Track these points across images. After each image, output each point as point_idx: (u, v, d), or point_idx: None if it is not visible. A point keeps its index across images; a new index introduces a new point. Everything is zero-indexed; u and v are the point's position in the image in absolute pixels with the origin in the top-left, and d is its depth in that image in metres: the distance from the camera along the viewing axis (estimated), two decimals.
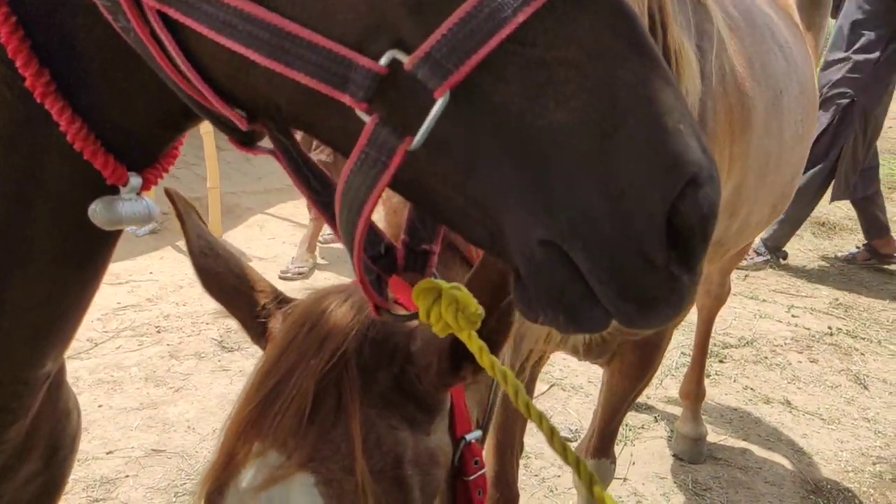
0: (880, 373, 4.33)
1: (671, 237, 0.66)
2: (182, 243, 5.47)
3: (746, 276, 5.51)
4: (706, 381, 3.71)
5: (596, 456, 2.49)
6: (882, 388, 4.18)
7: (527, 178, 0.68)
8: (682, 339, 4.44)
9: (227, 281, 1.11)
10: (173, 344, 4.14)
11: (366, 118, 0.71)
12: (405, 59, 0.68)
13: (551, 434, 0.83)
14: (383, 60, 0.69)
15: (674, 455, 3.53)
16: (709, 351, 3.81)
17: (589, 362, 2.53)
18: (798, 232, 6.40)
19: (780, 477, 3.42)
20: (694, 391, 3.54)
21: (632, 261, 0.66)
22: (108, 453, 3.25)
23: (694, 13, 2.01)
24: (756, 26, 2.46)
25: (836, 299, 5.23)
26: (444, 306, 0.82)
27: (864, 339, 4.70)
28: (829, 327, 4.82)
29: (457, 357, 0.96)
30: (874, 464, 3.52)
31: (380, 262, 0.93)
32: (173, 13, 0.75)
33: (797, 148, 2.66)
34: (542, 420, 0.83)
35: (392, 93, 0.70)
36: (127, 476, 3.12)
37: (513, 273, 0.73)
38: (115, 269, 4.84)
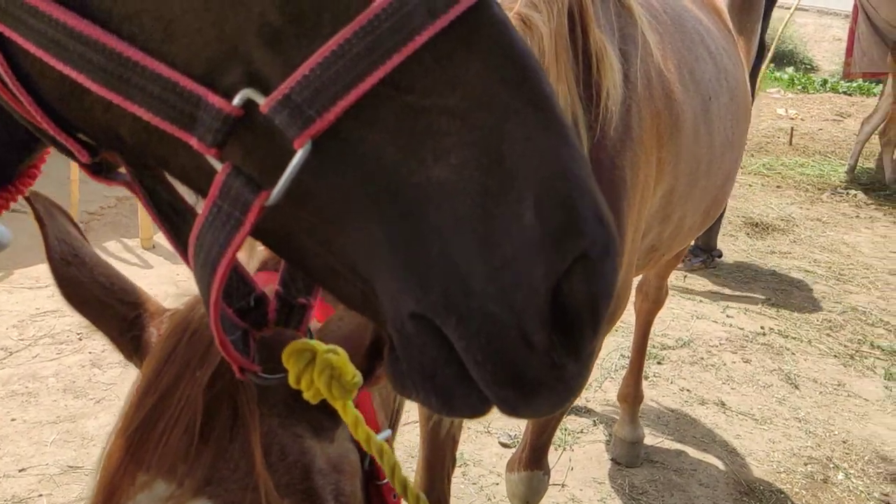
0: (811, 372, 4.41)
1: (558, 318, 0.58)
2: (109, 244, 5.28)
3: (685, 276, 5.57)
4: (644, 384, 3.71)
5: (528, 468, 2.44)
6: (812, 387, 4.26)
7: (399, 240, 0.59)
8: (621, 340, 4.45)
9: (91, 292, 0.98)
10: (95, 352, 3.94)
11: (217, 165, 0.62)
12: (261, 101, 0.59)
13: None
14: (237, 100, 0.60)
15: (612, 459, 3.52)
16: (647, 353, 3.81)
17: None
18: (732, 232, 6.52)
19: (714, 479, 3.44)
20: (632, 394, 3.55)
21: (510, 342, 0.58)
22: (20, 471, 3.07)
23: (617, 17, 1.97)
24: (686, 31, 2.44)
25: (769, 299, 5.33)
26: (318, 372, 0.73)
27: (795, 338, 4.79)
28: (762, 327, 4.90)
29: (372, 357, 0.88)
30: (805, 464, 3.58)
31: (249, 315, 0.82)
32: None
33: (728, 154, 2.66)
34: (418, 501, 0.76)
35: (247, 138, 0.61)
36: (41, 495, 2.95)
37: (388, 341, 0.65)
38: (35, 273, 4.61)
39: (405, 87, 0.59)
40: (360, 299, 0.66)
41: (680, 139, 2.21)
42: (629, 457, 3.48)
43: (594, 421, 3.84)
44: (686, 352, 4.58)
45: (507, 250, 0.57)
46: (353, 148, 0.60)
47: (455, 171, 0.58)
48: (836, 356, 4.61)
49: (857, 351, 4.68)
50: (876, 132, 8.42)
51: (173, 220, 0.79)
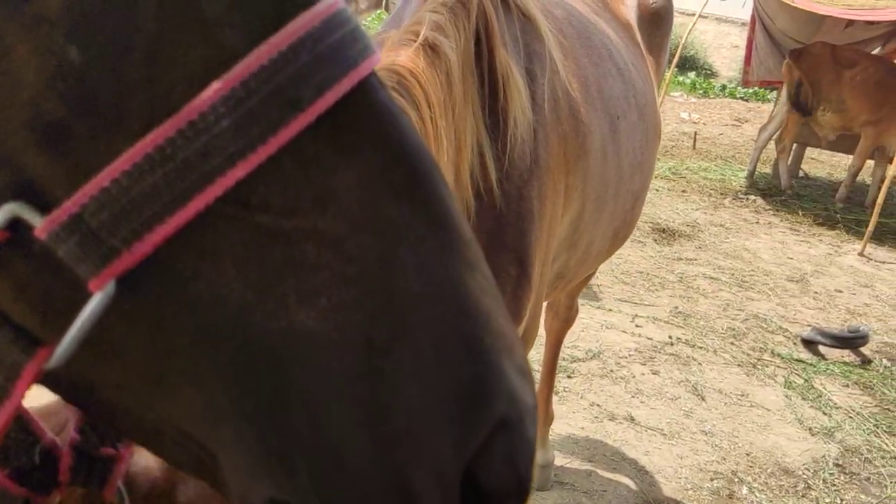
0: (716, 383, 4.47)
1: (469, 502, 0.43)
2: None
3: (598, 286, 5.58)
4: (554, 399, 3.66)
5: None
6: (718, 398, 4.31)
7: (251, 406, 0.43)
8: (533, 353, 4.39)
9: None
10: None
11: None
12: (37, 223, 0.42)
13: None
14: None
15: None
16: (557, 367, 3.75)
17: None
18: (641, 238, 6.60)
19: (625, 499, 3.42)
20: (542, 415, 3.46)
21: None
22: None
23: (522, 33, 1.85)
24: (593, 46, 2.33)
25: (676, 307, 5.40)
26: None
27: (701, 348, 4.86)
28: (670, 337, 4.95)
29: None
30: (712, 479, 3.60)
31: (31, 477, 0.59)
32: None
33: (637, 175, 2.57)
34: None
35: (17, 273, 0.43)
36: None
37: None
38: None
39: (257, 205, 0.43)
40: (194, 464, 0.49)
41: (587, 162, 2.10)
42: (540, 480, 3.38)
43: None
44: (596, 364, 4.57)
45: (401, 420, 0.42)
46: (181, 287, 0.43)
47: (328, 316, 0.43)
48: (739, 365, 4.70)
49: (758, 359, 4.79)
50: (772, 139, 8.74)
51: None
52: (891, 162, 8.28)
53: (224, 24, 0.43)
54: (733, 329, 5.14)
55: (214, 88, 0.42)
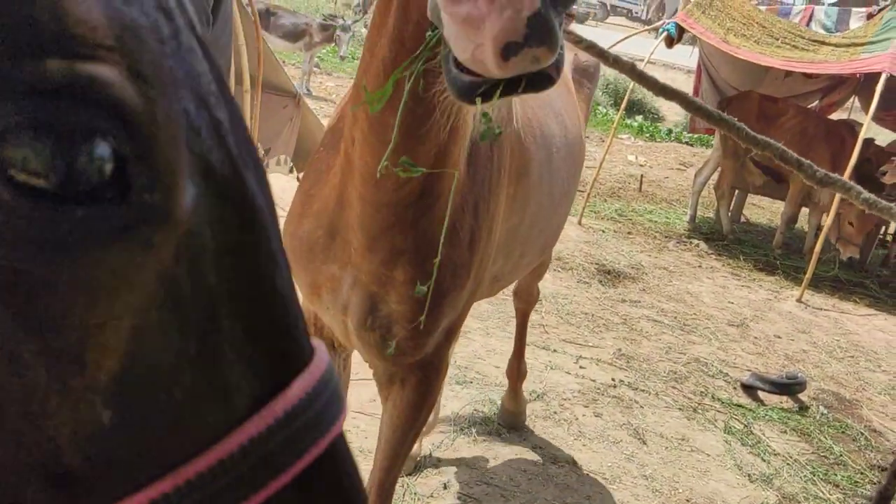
0: (657, 426, 4.47)
1: None
2: None
3: (543, 326, 5.56)
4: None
5: None
6: (659, 442, 4.31)
7: None
8: (474, 393, 4.33)
9: None
10: None
11: None
12: None
13: None
14: None
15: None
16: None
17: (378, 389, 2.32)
18: (586, 279, 6.63)
19: None
20: (516, 372, 4.06)
21: None
22: None
23: None
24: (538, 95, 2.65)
25: (620, 349, 5.41)
26: None
27: (643, 391, 4.86)
28: (613, 379, 4.94)
29: None
30: None
31: None
32: None
33: (564, 203, 2.97)
34: None
35: None
36: None
37: None
38: None
39: None
40: None
41: (528, 182, 2.41)
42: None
43: (444, 483, 3.67)
44: (539, 405, 4.52)
45: None
46: None
47: None
48: (680, 409, 4.71)
49: (699, 404, 4.81)
50: (709, 184, 8.94)
51: None
52: (826, 212, 8.56)
53: (236, 389, 0.49)
54: (675, 372, 5.17)
55: (215, 454, 0.47)
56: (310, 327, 2.05)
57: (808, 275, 7.00)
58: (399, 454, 2.21)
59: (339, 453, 0.55)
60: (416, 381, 2.13)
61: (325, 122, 10.16)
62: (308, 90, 12.17)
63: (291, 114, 7.19)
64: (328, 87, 13.47)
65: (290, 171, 7.69)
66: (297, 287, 2.20)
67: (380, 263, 1.89)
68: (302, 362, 0.53)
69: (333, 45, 12.89)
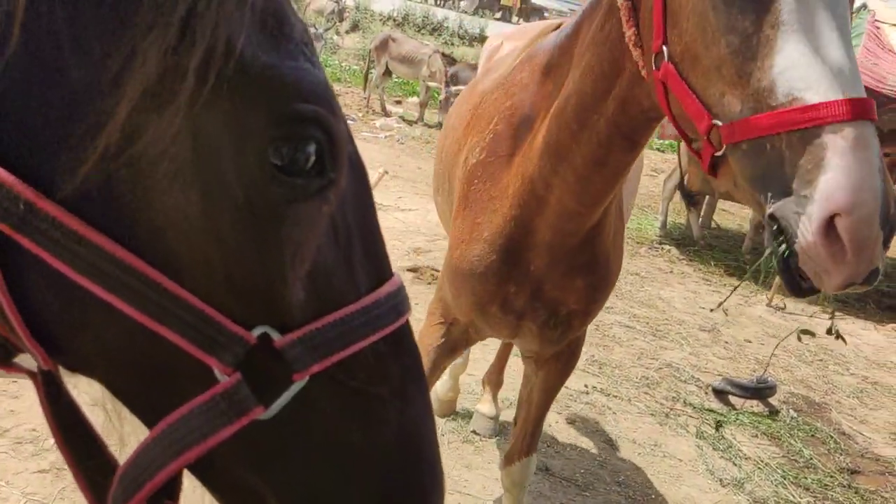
0: (629, 433, 4.47)
1: None
2: None
3: None
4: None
5: (529, 454, 2.90)
6: (631, 448, 4.31)
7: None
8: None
9: None
10: None
11: (223, 378, 0.75)
12: (276, 337, 0.76)
13: None
14: (256, 332, 0.75)
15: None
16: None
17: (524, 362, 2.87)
18: None
19: None
20: (494, 381, 4.17)
21: None
22: None
23: None
24: None
25: (592, 356, 5.41)
26: None
27: (616, 396, 4.86)
28: (586, 385, 4.94)
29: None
30: None
31: None
32: (21, 238, 0.68)
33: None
34: None
35: (255, 363, 0.75)
36: None
37: None
38: None
39: (352, 372, 0.83)
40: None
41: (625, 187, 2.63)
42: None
43: None
44: (513, 412, 4.50)
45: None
46: (332, 391, 0.81)
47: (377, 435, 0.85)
48: (653, 415, 4.72)
49: (671, 409, 4.83)
50: (677, 190, 9.02)
51: (68, 427, 0.85)
52: None
53: (361, 280, 0.85)
54: (647, 378, 5.19)
55: (352, 307, 0.82)
56: (433, 322, 2.59)
57: (777, 280, 7.07)
58: (549, 406, 2.86)
59: (410, 331, 0.91)
60: (569, 353, 2.65)
61: None
62: None
63: None
64: None
65: None
66: (455, 303, 2.44)
67: (561, 276, 2.22)
68: (389, 272, 0.89)
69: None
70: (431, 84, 12.67)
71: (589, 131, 1.86)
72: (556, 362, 2.68)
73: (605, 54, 1.77)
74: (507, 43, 3.41)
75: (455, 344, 2.58)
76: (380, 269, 0.88)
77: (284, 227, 0.75)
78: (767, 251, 1.46)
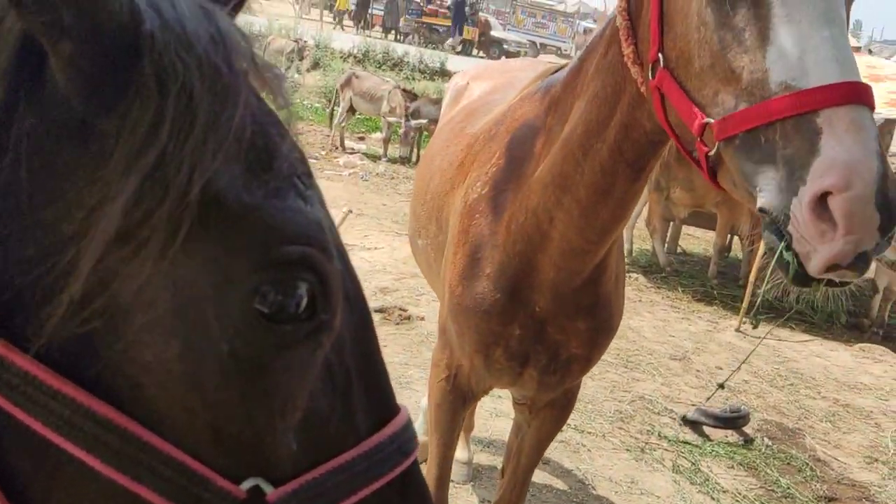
0: (605, 470, 4.40)
1: None
2: None
3: None
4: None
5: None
6: (608, 487, 4.23)
7: None
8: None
9: None
10: None
11: None
12: (269, 490, 0.72)
13: None
14: (245, 486, 0.71)
15: None
16: None
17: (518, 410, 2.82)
18: None
19: None
20: (466, 423, 3.88)
21: None
22: None
23: None
24: None
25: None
26: None
27: (590, 433, 4.79)
28: None
29: None
30: None
31: None
32: None
33: None
34: None
35: None
36: None
37: None
38: None
39: None
40: None
41: None
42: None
43: None
44: (485, 455, 4.41)
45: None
46: None
47: None
48: (628, 450, 4.66)
49: (646, 443, 4.77)
50: (641, 217, 9.07)
51: None
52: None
53: (361, 424, 0.81)
54: (621, 412, 5.13)
55: (349, 454, 0.78)
56: (440, 377, 2.48)
57: (745, 303, 7.10)
58: (541, 456, 2.81)
59: (418, 471, 0.87)
60: (565, 401, 2.60)
61: None
62: None
63: None
64: None
65: None
66: (459, 343, 2.36)
67: (565, 317, 2.18)
68: (394, 409, 0.86)
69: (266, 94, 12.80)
70: (391, 119, 12.66)
71: (592, 159, 1.87)
72: (551, 410, 2.62)
73: (608, 79, 1.80)
74: (473, 83, 3.41)
75: (465, 393, 2.52)
76: (383, 407, 0.84)
77: (273, 375, 0.71)
78: (771, 249, 1.43)
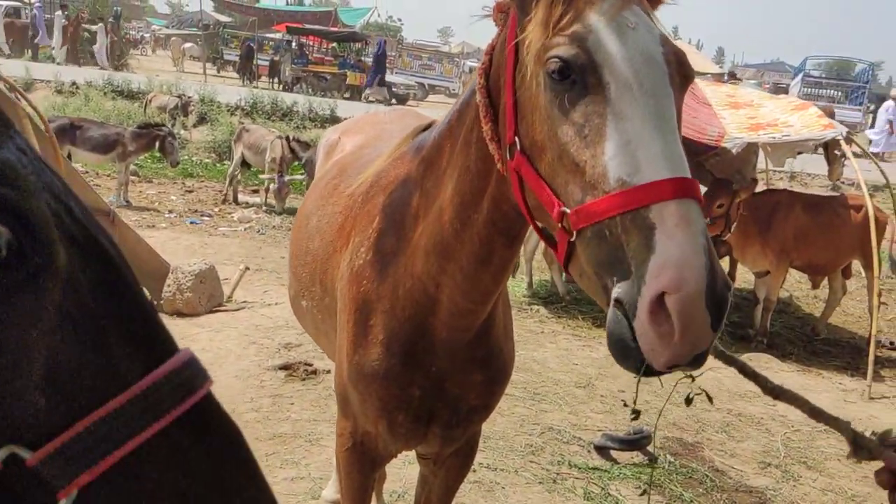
0: None
1: None
2: None
3: None
4: None
5: None
6: None
7: None
8: None
9: None
10: None
11: None
12: (27, 455, 0.70)
13: None
14: (0, 454, 0.69)
15: None
16: None
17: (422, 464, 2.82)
18: None
19: None
20: (380, 475, 3.99)
21: None
22: None
23: None
24: None
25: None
26: None
27: (503, 470, 4.87)
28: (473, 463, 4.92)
29: None
30: None
31: None
32: None
33: None
34: None
35: (7, 488, 0.69)
36: None
37: None
38: None
39: (146, 459, 0.75)
40: None
41: None
42: None
43: None
44: None
45: None
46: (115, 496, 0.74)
47: None
48: (541, 482, 4.76)
49: (557, 473, 4.89)
50: (539, 250, 9.36)
51: None
52: None
53: (126, 371, 0.78)
54: (531, 445, 5.24)
55: (140, 385, 0.76)
56: (345, 446, 2.47)
57: None
58: (451, 502, 2.82)
59: (216, 406, 0.83)
60: (468, 448, 2.66)
61: (149, 232, 9.54)
62: (127, 201, 11.67)
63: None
64: (149, 194, 12.96)
65: None
66: (361, 409, 2.34)
67: (462, 372, 2.24)
68: (170, 350, 0.81)
69: (154, 152, 12.49)
70: (262, 177, 12.47)
71: (470, 230, 1.93)
72: (455, 459, 2.67)
73: (477, 153, 1.84)
74: (345, 137, 3.42)
75: (373, 458, 2.51)
76: (155, 351, 0.80)
77: None
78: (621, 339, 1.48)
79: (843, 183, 12.63)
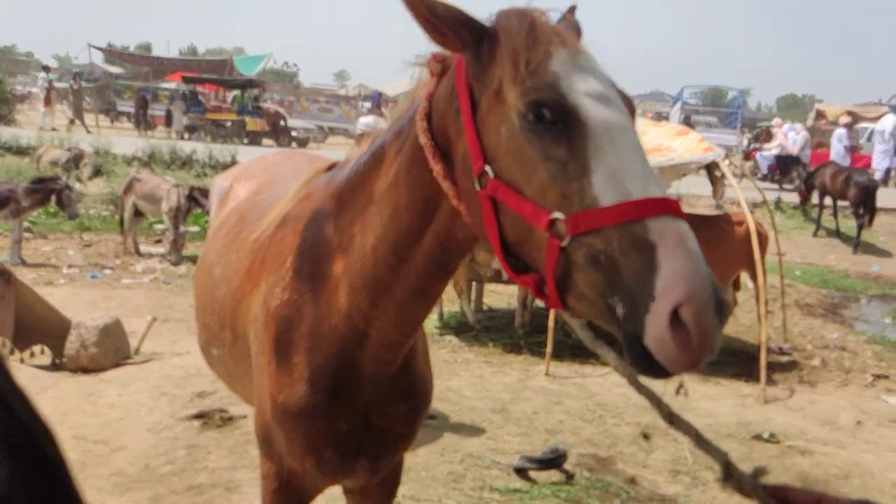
0: None
1: None
2: None
3: None
4: None
5: None
6: None
7: None
8: None
9: None
10: None
11: None
12: None
13: None
14: None
15: None
16: None
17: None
18: None
19: None
20: None
21: None
22: None
23: None
24: None
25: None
26: None
27: (426, 500, 4.93)
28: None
29: None
30: None
31: None
32: None
33: None
34: None
35: None
36: None
37: None
38: None
39: None
40: None
41: None
42: None
43: None
44: None
45: None
46: None
47: None
48: None
49: (480, 498, 4.99)
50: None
51: None
52: None
53: None
54: (453, 472, 5.33)
55: None
56: (271, 488, 2.43)
57: (549, 348, 7.67)
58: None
59: None
60: (393, 476, 2.70)
61: (48, 289, 9.15)
62: (21, 259, 11.18)
63: (2, 292, 6.55)
64: (45, 251, 12.44)
65: (11, 352, 6.92)
66: (288, 449, 2.31)
67: (387, 404, 2.29)
68: None
69: (49, 207, 12.03)
70: (158, 227, 12.15)
71: (408, 265, 1.98)
72: (381, 489, 2.68)
73: (418, 193, 1.89)
74: (237, 184, 3.40)
75: (300, 497, 2.47)
76: None
77: None
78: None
79: (725, 202, 13.46)
